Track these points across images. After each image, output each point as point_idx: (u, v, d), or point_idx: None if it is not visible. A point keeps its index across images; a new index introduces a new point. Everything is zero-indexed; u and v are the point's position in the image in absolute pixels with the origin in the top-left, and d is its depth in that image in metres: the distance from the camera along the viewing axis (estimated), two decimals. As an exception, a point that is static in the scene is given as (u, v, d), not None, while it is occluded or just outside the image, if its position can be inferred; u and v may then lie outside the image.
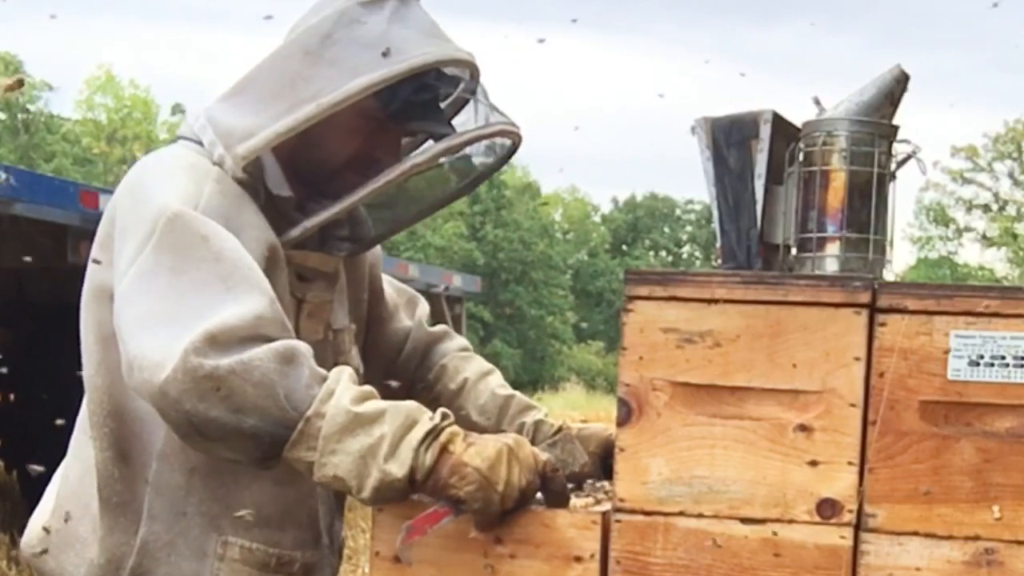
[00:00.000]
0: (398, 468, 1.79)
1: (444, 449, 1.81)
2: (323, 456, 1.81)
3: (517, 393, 2.44)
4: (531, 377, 37.72)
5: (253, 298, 1.86)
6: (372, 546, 1.92)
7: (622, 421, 1.85)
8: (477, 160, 2.28)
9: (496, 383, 2.44)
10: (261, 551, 2.08)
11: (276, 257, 2.04)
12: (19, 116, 39.39)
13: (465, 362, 2.49)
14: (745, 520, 1.82)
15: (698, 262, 53.06)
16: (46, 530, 2.14)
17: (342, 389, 1.83)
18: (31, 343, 7.53)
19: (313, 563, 2.16)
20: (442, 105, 2.18)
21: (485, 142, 2.21)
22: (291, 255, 2.10)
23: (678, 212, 56.90)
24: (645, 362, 1.85)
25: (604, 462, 2.28)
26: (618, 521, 1.85)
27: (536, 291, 41.37)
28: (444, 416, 1.85)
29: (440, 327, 2.55)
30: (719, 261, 2.21)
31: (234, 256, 1.90)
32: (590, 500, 2.01)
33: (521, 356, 39.48)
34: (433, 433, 1.82)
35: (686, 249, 55.94)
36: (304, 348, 1.86)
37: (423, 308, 2.56)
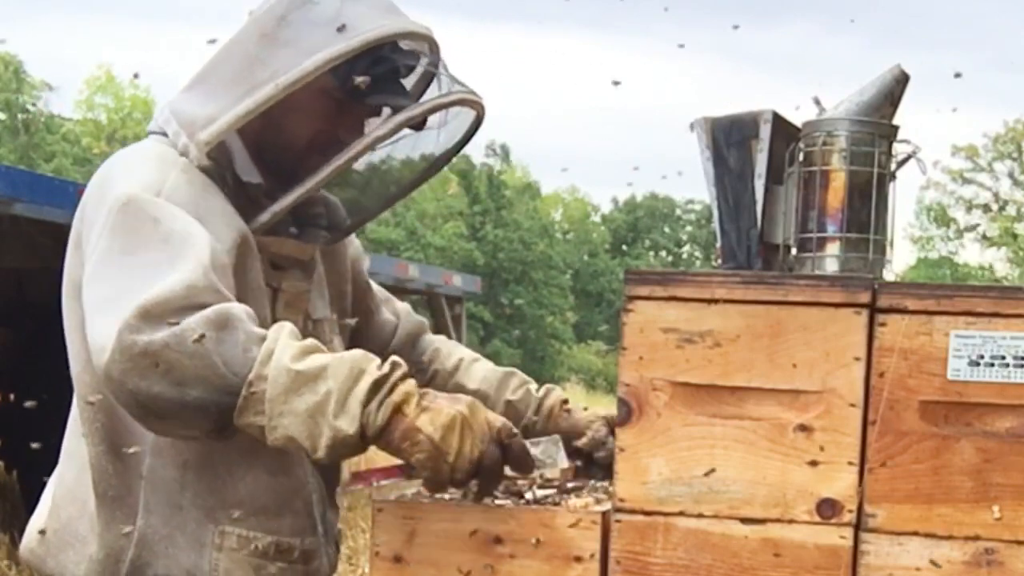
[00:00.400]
0: (348, 424, 1.78)
1: (398, 410, 1.80)
2: (272, 419, 1.79)
3: (518, 371, 2.51)
4: (531, 377, 37.63)
5: (187, 268, 1.84)
6: (372, 546, 1.92)
7: (622, 421, 1.85)
8: (444, 138, 2.26)
9: (491, 365, 2.51)
10: (259, 539, 2.08)
11: (247, 244, 2.04)
12: (19, 116, 39.38)
13: (456, 347, 2.55)
14: (745, 520, 1.82)
15: (698, 262, 53.03)
16: (42, 532, 2.14)
17: (282, 348, 1.80)
18: (31, 343, 7.52)
19: (313, 550, 2.17)
20: (405, 82, 2.17)
21: (454, 113, 2.20)
22: (265, 242, 2.09)
23: (678, 212, 56.90)
24: (645, 362, 1.85)
25: (590, 457, 2.31)
26: (618, 521, 1.85)
27: (536, 291, 41.36)
28: (394, 365, 1.82)
29: (420, 318, 2.61)
30: (719, 261, 2.21)
31: (182, 236, 1.89)
32: (590, 500, 2.01)
33: (521, 356, 39.45)
34: (383, 386, 1.80)
35: (686, 249, 55.93)
36: (239, 310, 1.83)
37: (403, 304, 2.60)
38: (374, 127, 2.11)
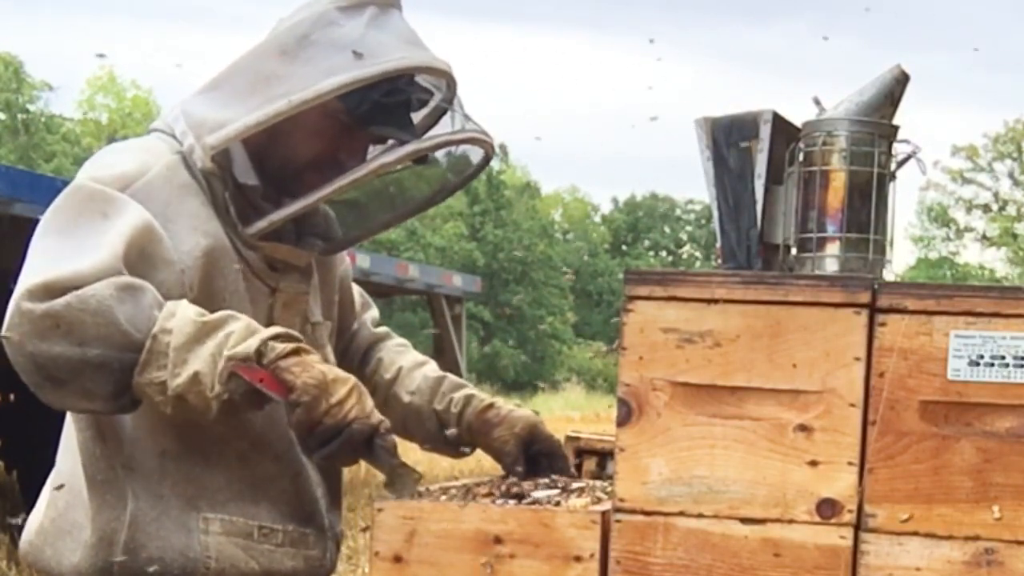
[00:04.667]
0: (244, 349, 1.88)
1: (297, 352, 1.92)
2: (175, 368, 1.87)
3: (449, 375, 2.49)
4: (531, 377, 37.70)
5: (100, 254, 1.89)
6: (372, 546, 1.93)
7: (622, 421, 1.85)
8: (451, 169, 2.32)
9: (430, 369, 2.50)
10: (241, 523, 2.12)
11: (218, 249, 2.07)
12: (19, 116, 39.37)
13: (400, 355, 2.54)
14: (745, 520, 1.82)
15: (698, 262, 52.99)
16: (40, 525, 2.16)
17: (184, 307, 1.91)
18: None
19: (304, 535, 2.18)
20: (418, 114, 2.20)
21: (461, 150, 2.26)
22: (260, 245, 2.13)
23: (678, 212, 56.87)
24: (645, 362, 1.85)
25: (528, 449, 2.30)
26: (618, 521, 1.85)
27: (536, 291, 41.35)
28: (289, 331, 1.96)
29: (383, 329, 2.59)
30: (719, 261, 2.21)
31: (118, 227, 1.94)
32: (589, 500, 2.01)
33: (521, 356, 39.45)
34: (285, 336, 1.93)
35: (686, 249, 55.90)
36: (148, 284, 1.91)
37: (373, 312, 2.60)
38: (378, 153, 2.15)
